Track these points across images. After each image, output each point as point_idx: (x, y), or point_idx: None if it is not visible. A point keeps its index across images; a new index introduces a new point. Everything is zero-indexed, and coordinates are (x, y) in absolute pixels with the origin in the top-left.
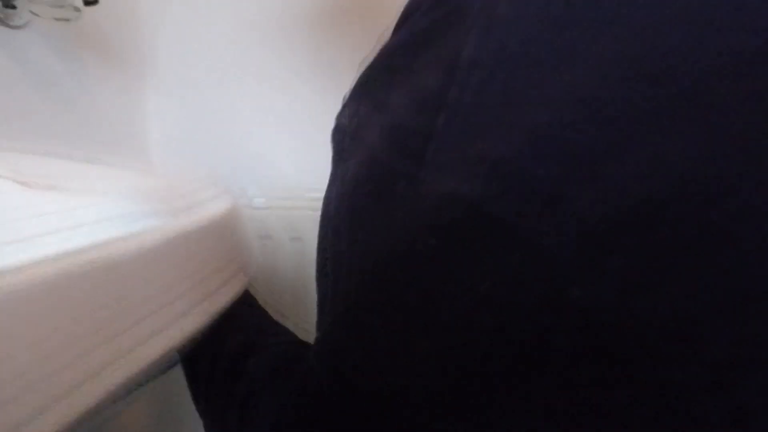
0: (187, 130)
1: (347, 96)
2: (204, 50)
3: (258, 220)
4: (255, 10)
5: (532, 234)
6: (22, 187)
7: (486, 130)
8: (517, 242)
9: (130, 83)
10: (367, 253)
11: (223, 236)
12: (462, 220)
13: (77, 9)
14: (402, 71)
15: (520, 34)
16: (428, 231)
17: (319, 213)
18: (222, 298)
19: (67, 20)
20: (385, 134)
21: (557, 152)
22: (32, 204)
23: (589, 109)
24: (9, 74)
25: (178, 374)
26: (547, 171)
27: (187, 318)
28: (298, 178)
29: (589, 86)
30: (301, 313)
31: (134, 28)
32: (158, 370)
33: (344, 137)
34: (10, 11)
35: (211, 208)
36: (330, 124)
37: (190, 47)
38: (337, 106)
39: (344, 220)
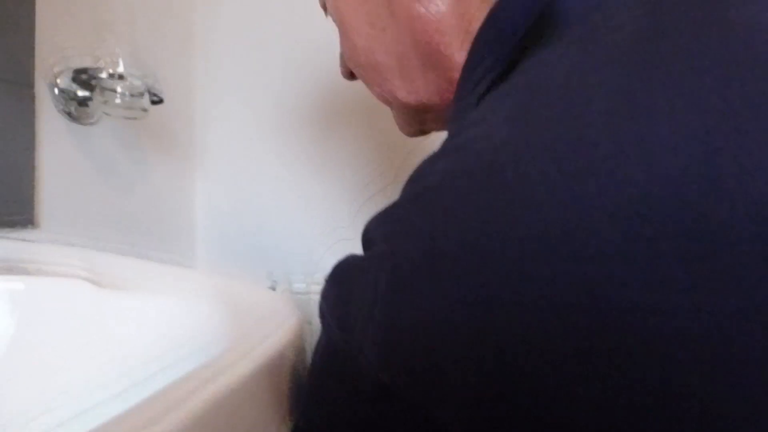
0: (230, 215)
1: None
2: (249, 142)
3: (298, 305)
4: (293, 106)
5: None
6: (95, 286)
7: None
8: None
9: (182, 171)
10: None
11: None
12: None
13: (145, 109)
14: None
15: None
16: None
17: None
18: None
19: (135, 118)
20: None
21: None
22: (111, 305)
23: None
24: (76, 164)
25: None
26: None
27: None
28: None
29: None
30: None
31: (190, 122)
32: None
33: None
34: (84, 109)
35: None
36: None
37: (237, 140)
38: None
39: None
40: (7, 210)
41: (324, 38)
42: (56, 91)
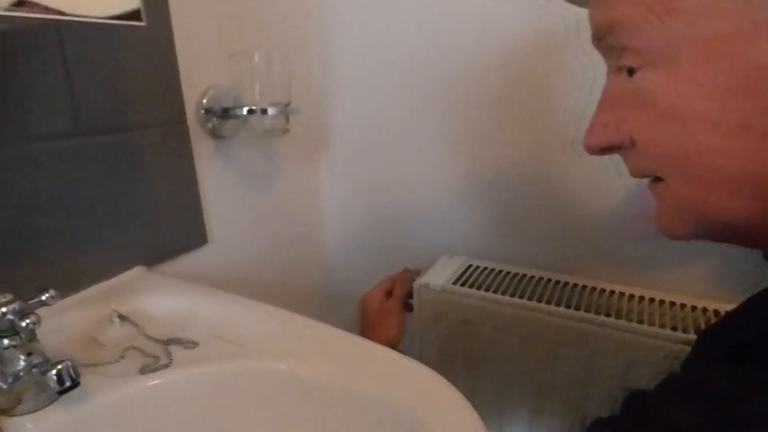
0: (357, 208)
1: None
2: (376, 131)
3: (434, 301)
4: (419, 96)
5: None
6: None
7: None
8: None
9: (312, 173)
10: None
11: None
12: None
13: (287, 130)
14: None
15: None
16: None
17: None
18: None
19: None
20: None
21: None
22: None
23: None
24: (224, 180)
25: None
26: None
27: None
28: (467, 247)
29: None
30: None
31: (318, 123)
32: None
33: None
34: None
35: None
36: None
37: (362, 138)
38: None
39: None
40: (186, 234)
41: (444, 34)
42: (206, 126)
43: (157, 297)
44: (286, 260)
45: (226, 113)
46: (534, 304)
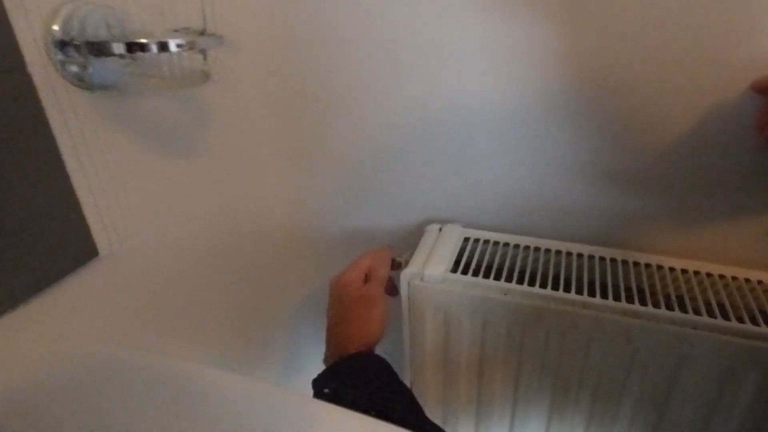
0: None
1: None
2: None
3: (430, 294)
4: None
5: None
6: None
7: None
8: None
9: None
10: None
11: None
12: None
13: (207, 74)
14: None
15: None
16: None
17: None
18: None
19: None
20: None
21: None
22: None
23: None
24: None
25: None
26: None
27: None
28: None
29: None
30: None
31: (262, 61)
32: None
33: None
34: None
35: None
36: None
37: None
38: None
39: None
40: (59, 248)
41: None
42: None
43: None
44: (230, 257)
45: (96, 48)
46: (564, 295)
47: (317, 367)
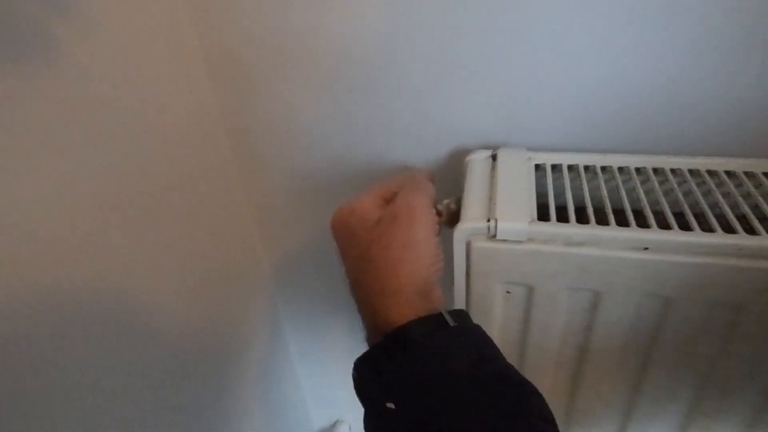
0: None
1: None
2: None
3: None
4: None
5: None
6: None
7: None
8: None
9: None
10: None
11: None
12: None
13: None
14: None
15: None
16: None
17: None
18: None
19: None
20: None
21: None
22: None
23: None
24: None
25: None
26: None
27: None
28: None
29: None
30: None
31: None
32: None
33: None
34: None
35: None
36: None
37: None
38: None
39: None
40: None
41: None
42: None
43: None
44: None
45: None
46: (749, 240)
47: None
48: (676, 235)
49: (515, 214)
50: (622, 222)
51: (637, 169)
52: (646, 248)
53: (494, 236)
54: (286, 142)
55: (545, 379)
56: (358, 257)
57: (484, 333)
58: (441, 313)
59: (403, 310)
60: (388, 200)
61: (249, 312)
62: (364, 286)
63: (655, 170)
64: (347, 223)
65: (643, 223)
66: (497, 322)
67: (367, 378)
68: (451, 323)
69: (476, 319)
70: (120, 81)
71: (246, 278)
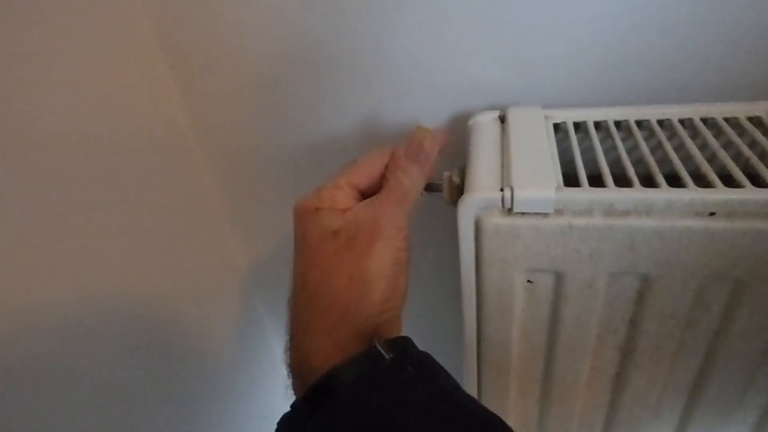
0: None
1: None
2: None
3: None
4: None
5: None
6: None
7: None
8: None
9: None
10: None
11: None
12: None
13: None
14: None
15: None
16: None
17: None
18: None
19: None
20: None
21: None
22: None
23: None
24: None
25: None
26: None
27: None
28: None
29: None
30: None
31: None
32: None
33: None
34: None
35: None
36: None
37: None
38: None
39: None
40: None
41: None
42: None
43: None
44: None
45: None
46: None
47: None
48: (752, 194)
49: (537, 181)
50: (675, 185)
51: (681, 122)
52: (712, 213)
53: (511, 209)
54: (262, 113)
55: (578, 389)
56: (298, 272)
57: (434, 362)
58: (375, 346)
59: (331, 354)
60: (368, 193)
61: (225, 317)
62: (293, 313)
63: (704, 121)
64: (304, 222)
65: (703, 184)
66: (517, 321)
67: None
68: (387, 356)
69: (491, 318)
70: (73, 68)
71: (221, 281)
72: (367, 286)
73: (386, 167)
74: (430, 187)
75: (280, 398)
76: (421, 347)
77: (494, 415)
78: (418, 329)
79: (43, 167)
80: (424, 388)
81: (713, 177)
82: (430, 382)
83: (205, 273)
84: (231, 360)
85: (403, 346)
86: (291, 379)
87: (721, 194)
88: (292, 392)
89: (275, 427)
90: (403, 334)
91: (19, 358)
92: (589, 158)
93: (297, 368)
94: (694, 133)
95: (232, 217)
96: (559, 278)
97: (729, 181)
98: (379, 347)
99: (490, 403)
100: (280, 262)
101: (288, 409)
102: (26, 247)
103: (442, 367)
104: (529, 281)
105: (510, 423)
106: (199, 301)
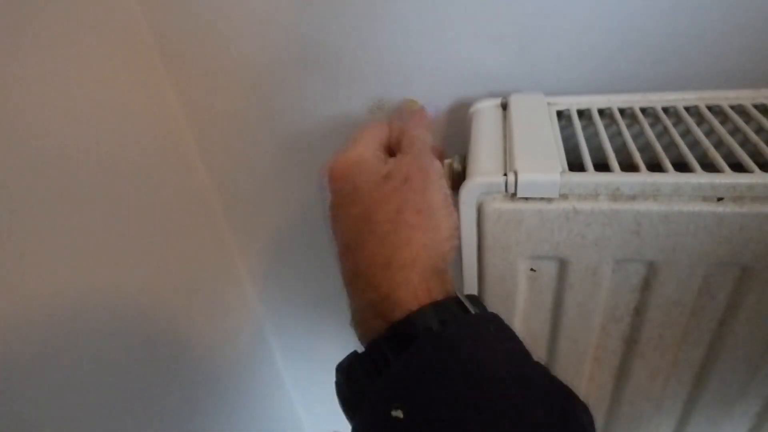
0: None
1: None
2: None
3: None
4: None
5: None
6: None
7: None
8: None
9: None
10: None
11: None
12: None
13: None
14: None
15: None
16: None
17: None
18: None
19: None
20: None
21: None
22: None
23: None
24: None
25: None
26: None
27: None
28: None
29: None
30: None
31: None
32: None
33: None
34: None
35: None
36: None
37: None
38: None
39: None
40: None
41: None
42: None
43: None
44: None
45: None
46: None
47: None
48: (761, 178)
49: (541, 165)
50: (682, 171)
51: (686, 109)
52: (720, 198)
53: (514, 194)
54: (257, 105)
55: (581, 380)
56: (358, 217)
57: (506, 324)
58: (458, 298)
59: (416, 290)
60: (389, 150)
61: (224, 317)
62: (364, 254)
63: (710, 108)
64: (349, 173)
65: (711, 170)
66: (519, 310)
67: (363, 380)
68: (472, 310)
69: (493, 307)
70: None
71: (218, 279)
72: (436, 220)
73: (393, 139)
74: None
75: (277, 396)
76: None
77: (569, 387)
78: None
79: (33, 160)
80: (503, 348)
81: (721, 162)
82: (508, 342)
83: (201, 270)
84: (228, 358)
85: (481, 304)
86: (363, 322)
87: (729, 178)
88: (362, 336)
89: (334, 378)
90: None
91: (14, 358)
92: (594, 145)
93: (377, 306)
94: (700, 120)
95: (228, 213)
96: (562, 265)
97: (737, 167)
98: (462, 299)
99: None
100: (278, 259)
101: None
102: (21, 246)
103: (513, 331)
104: (532, 269)
105: None
106: (195, 297)
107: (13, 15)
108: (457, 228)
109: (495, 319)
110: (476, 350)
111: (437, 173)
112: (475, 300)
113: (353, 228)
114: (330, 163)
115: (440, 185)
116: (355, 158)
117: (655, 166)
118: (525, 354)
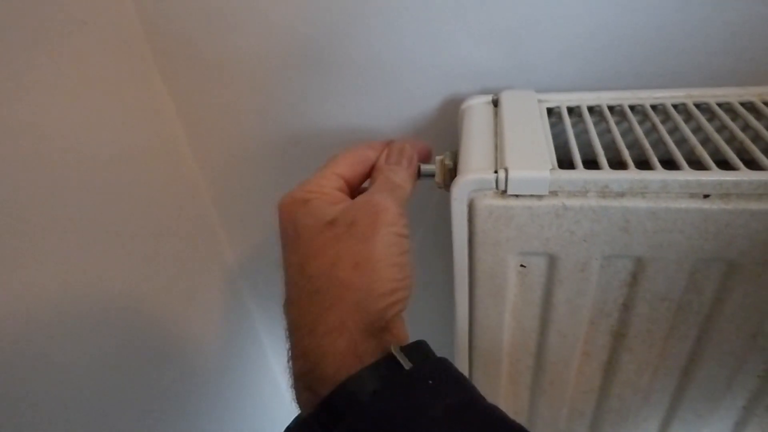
0: None
1: None
2: None
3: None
4: None
5: None
6: None
7: None
8: None
9: None
10: None
11: None
12: None
13: None
14: None
15: None
16: None
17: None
18: None
19: None
20: None
21: None
22: None
23: None
24: None
25: None
26: None
27: None
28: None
29: None
30: None
31: None
32: None
33: None
34: None
35: None
36: None
37: None
38: None
39: None
40: None
41: None
42: None
43: None
44: None
45: None
46: None
47: None
48: (746, 176)
49: (532, 162)
50: (669, 168)
51: (674, 106)
52: (707, 195)
53: (505, 191)
54: (250, 105)
55: (570, 375)
56: (296, 267)
57: (453, 367)
58: (391, 353)
59: (344, 358)
60: (355, 185)
61: (216, 315)
62: (295, 312)
63: (698, 105)
64: (293, 215)
65: (698, 167)
66: (509, 306)
67: None
68: (407, 366)
69: (483, 303)
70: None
71: (210, 277)
72: (376, 274)
73: (372, 169)
74: (423, 173)
75: (270, 395)
76: (412, 335)
77: (520, 425)
78: (408, 316)
79: (19, 157)
80: (450, 400)
81: (708, 160)
82: (453, 392)
83: (192, 268)
84: (220, 356)
85: (422, 352)
86: (296, 391)
87: (716, 176)
88: (297, 405)
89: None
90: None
91: (7, 358)
92: (583, 142)
93: (305, 378)
94: (688, 117)
95: (220, 211)
96: (552, 261)
97: (723, 165)
98: (396, 355)
99: (481, 391)
100: (270, 258)
101: (287, 414)
102: (17, 245)
103: (461, 374)
104: (522, 266)
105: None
106: (187, 295)
107: (1, 11)
108: (406, 279)
109: (436, 369)
110: (409, 418)
111: (392, 217)
112: (418, 349)
113: (291, 279)
114: (282, 198)
115: (392, 231)
116: (303, 197)
117: (643, 163)
118: (468, 403)
